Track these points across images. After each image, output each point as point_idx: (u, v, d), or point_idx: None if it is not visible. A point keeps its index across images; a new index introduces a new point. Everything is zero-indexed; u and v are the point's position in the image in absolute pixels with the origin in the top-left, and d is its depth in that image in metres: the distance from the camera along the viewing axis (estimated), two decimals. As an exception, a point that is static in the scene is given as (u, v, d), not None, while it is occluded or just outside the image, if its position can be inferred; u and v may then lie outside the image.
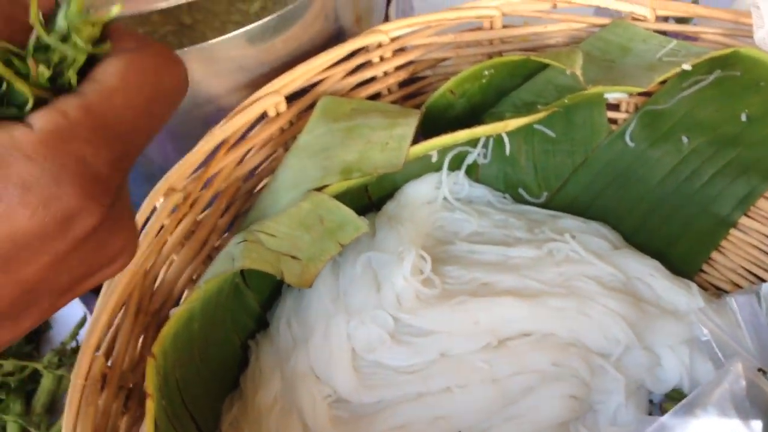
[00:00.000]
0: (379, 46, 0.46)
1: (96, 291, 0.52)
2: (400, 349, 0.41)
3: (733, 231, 0.49)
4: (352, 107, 0.43)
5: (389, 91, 0.48)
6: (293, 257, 0.39)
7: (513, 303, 0.43)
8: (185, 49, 0.40)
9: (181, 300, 0.39)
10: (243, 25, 0.65)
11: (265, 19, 0.41)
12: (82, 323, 0.51)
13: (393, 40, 0.47)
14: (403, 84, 0.49)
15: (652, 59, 0.46)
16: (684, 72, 0.44)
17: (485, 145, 0.50)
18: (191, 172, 0.39)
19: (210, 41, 0.40)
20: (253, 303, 0.44)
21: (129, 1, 0.39)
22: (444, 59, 0.49)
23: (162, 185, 0.38)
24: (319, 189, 0.40)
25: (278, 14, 0.42)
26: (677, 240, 0.50)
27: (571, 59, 0.42)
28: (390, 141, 0.41)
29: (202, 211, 0.41)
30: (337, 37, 0.49)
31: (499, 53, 0.49)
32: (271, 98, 0.42)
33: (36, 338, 0.53)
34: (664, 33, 0.47)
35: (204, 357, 0.39)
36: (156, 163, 0.47)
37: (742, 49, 0.45)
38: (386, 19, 0.59)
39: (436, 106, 0.46)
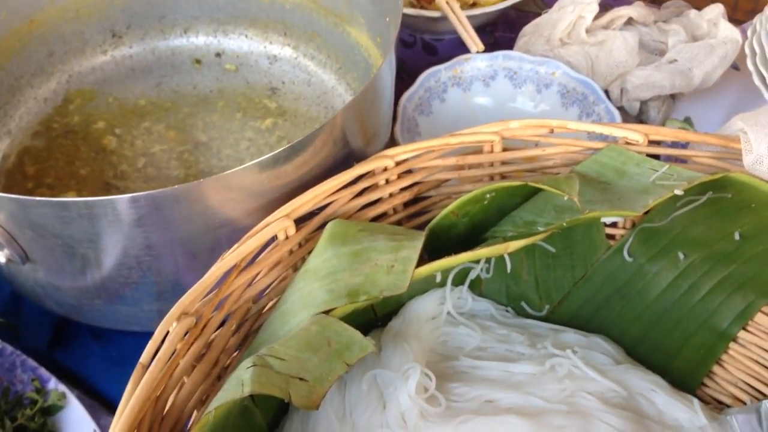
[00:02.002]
0: (385, 169, 0.49)
1: (109, 406, 0.53)
2: (406, 469, 0.42)
3: (732, 345, 0.50)
4: (359, 229, 0.45)
5: (394, 210, 0.50)
6: (301, 379, 0.40)
7: (516, 422, 0.43)
8: (202, 180, 0.42)
9: (190, 423, 0.40)
10: (255, 141, 0.69)
11: (277, 151, 0.43)
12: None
13: (398, 163, 0.49)
14: (407, 204, 0.51)
15: (646, 182, 0.48)
16: (677, 193, 0.46)
17: (487, 261, 0.52)
18: (203, 296, 0.41)
19: (226, 172, 0.42)
20: (260, 422, 0.44)
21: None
22: (447, 180, 0.51)
23: (175, 310, 0.39)
24: (327, 312, 0.42)
25: (290, 145, 0.44)
26: (678, 353, 0.51)
27: (568, 185, 0.44)
28: (395, 264, 0.43)
29: (213, 332, 0.42)
30: (345, 158, 0.51)
31: (500, 174, 0.52)
32: (281, 223, 0.44)
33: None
34: (656, 156, 0.50)
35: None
36: (168, 281, 0.49)
37: (732, 174, 0.47)
38: (392, 136, 0.62)
39: (440, 227, 0.48)
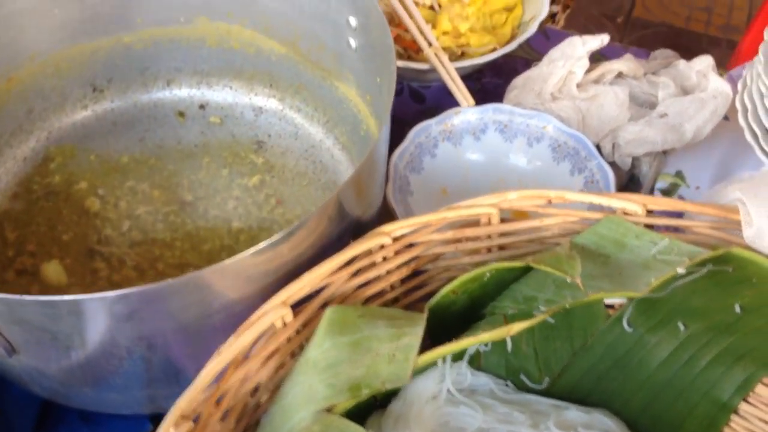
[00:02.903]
0: (382, 247, 0.48)
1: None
2: None
3: (734, 417, 0.50)
4: (358, 315, 0.44)
5: (392, 287, 0.49)
6: (303, 479, 0.39)
7: None
8: (195, 272, 0.40)
9: None
10: (243, 201, 0.67)
11: (274, 238, 0.42)
12: None
13: (395, 240, 0.48)
14: (404, 279, 0.50)
15: (647, 256, 0.47)
16: (677, 267, 0.46)
17: (487, 334, 0.51)
18: (200, 395, 0.39)
19: (221, 264, 0.41)
20: None
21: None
22: (444, 253, 0.50)
23: (172, 415, 0.38)
24: (329, 408, 0.40)
25: (285, 231, 0.43)
26: (680, 425, 0.50)
27: (570, 265, 0.44)
28: (397, 353, 0.42)
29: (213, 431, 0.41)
30: (341, 232, 0.50)
31: (498, 246, 0.51)
32: (278, 311, 0.43)
33: None
34: (653, 226, 0.49)
35: None
36: (160, 369, 0.47)
37: (733, 250, 0.46)
38: (385, 199, 0.60)
39: (439, 305, 0.47)
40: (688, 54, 0.72)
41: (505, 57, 0.74)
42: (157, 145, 0.72)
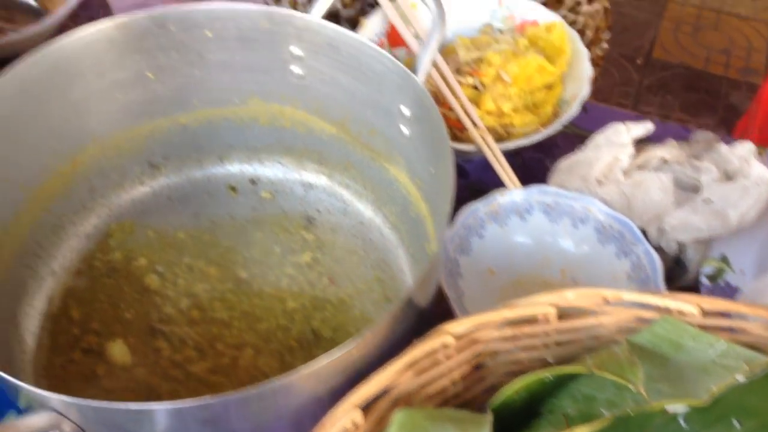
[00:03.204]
0: (445, 346, 0.49)
1: None
2: None
3: None
4: (425, 417, 0.46)
5: (453, 383, 0.51)
6: None
7: None
8: (280, 380, 0.42)
9: None
10: (296, 278, 0.69)
11: (347, 346, 0.44)
12: None
13: (457, 338, 0.50)
14: (464, 374, 0.52)
15: (704, 359, 0.49)
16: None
17: None
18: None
19: (300, 371, 0.43)
20: None
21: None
22: (503, 350, 0.52)
23: None
24: None
25: (358, 338, 0.45)
26: None
27: (632, 372, 0.45)
28: (465, 458, 0.43)
29: None
30: (404, 329, 0.52)
31: (555, 342, 0.52)
32: (350, 414, 0.45)
33: None
34: (710, 327, 0.51)
35: None
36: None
37: (789, 354, 0.48)
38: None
39: (500, 405, 0.49)
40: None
41: (547, 132, 0.76)
42: (211, 220, 0.74)
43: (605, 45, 1.12)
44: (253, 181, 0.78)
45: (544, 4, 0.89)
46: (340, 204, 0.76)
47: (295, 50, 0.67)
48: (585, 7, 1.04)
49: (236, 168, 0.78)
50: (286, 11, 0.64)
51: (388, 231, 0.73)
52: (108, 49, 0.65)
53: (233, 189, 0.77)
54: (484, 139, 0.72)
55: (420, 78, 0.62)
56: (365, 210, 0.75)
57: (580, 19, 1.05)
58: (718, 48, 2.52)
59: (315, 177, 0.77)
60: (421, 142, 0.63)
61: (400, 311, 0.48)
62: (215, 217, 0.75)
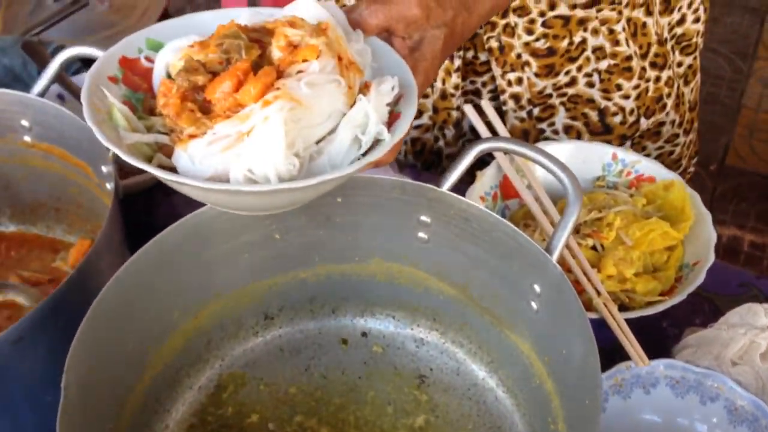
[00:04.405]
0: None
1: None
2: None
3: None
4: None
5: None
6: None
7: None
8: None
9: None
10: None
11: None
12: None
13: None
14: None
15: None
16: None
17: None
18: None
19: None
20: None
21: None
22: None
23: None
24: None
25: None
26: None
27: None
28: None
29: None
30: None
31: None
32: None
33: None
34: None
35: None
36: None
37: None
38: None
39: None
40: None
41: (664, 295, 0.74)
42: (323, 375, 0.73)
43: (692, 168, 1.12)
44: (365, 334, 0.77)
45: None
46: (453, 363, 0.74)
47: (424, 218, 0.67)
48: (681, 138, 1.03)
49: (348, 320, 0.77)
50: (418, 184, 0.65)
51: (503, 394, 0.71)
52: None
53: (344, 342, 0.76)
54: (607, 307, 0.70)
55: (554, 257, 0.61)
56: (478, 370, 0.73)
57: (677, 150, 1.04)
58: (793, 155, 2.48)
59: (427, 333, 0.76)
60: (551, 321, 0.62)
61: None
62: (326, 371, 0.74)
